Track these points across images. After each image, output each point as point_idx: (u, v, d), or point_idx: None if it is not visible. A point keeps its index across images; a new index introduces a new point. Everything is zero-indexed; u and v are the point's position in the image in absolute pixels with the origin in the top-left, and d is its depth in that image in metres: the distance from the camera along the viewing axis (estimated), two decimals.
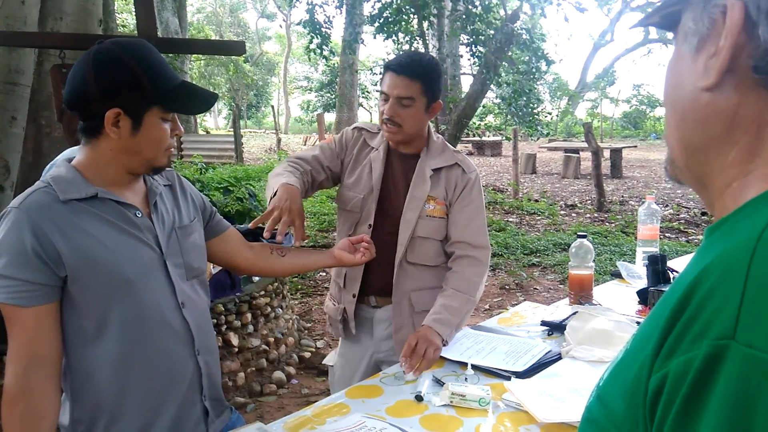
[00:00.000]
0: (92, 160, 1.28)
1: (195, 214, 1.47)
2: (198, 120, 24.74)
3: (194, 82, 1.39)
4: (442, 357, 1.74)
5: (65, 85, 1.27)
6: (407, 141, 1.91)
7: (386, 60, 1.95)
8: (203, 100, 1.34)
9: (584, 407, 0.61)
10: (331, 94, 27.25)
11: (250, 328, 3.69)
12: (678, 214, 8.57)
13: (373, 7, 9.19)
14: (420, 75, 1.82)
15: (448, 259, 1.94)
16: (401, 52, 1.99)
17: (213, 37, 29.29)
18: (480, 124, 11.42)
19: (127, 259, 1.26)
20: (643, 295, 2.11)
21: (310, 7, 9.09)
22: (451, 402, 1.46)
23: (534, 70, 9.69)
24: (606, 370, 0.60)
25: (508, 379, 1.58)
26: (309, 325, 4.70)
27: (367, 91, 25.11)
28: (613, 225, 7.94)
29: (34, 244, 1.16)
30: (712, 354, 0.43)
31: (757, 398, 0.40)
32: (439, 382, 1.58)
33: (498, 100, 13.92)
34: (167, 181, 1.46)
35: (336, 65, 19.88)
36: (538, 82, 13.69)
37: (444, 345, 1.74)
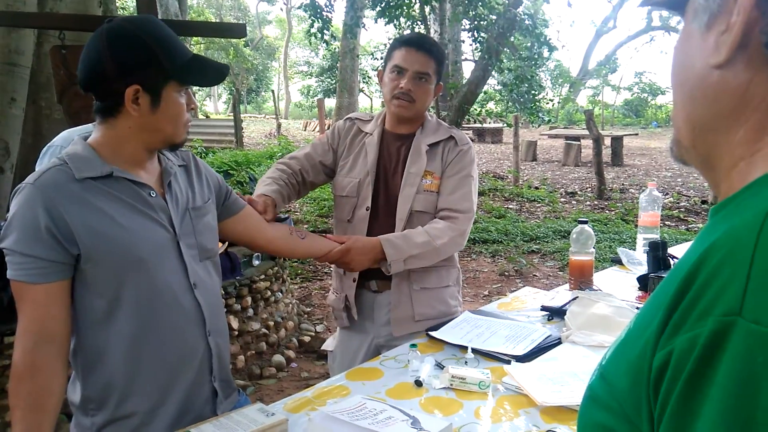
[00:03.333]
0: (109, 139, 1.27)
1: (209, 195, 1.47)
2: (198, 104, 24.62)
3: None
4: (441, 341, 1.74)
5: (69, 66, 1.26)
6: (414, 119, 1.93)
7: (388, 44, 1.96)
8: (216, 72, 1.34)
9: (586, 387, 0.62)
10: (332, 80, 27.13)
11: (250, 311, 3.70)
12: (678, 203, 8.57)
13: None
14: (435, 54, 1.88)
15: None
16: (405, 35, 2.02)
17: (213, 21, 29.11)
18: (481, 111, 11.36)
19: (141, 239, 1.26)
20: (644, 281, 2.11)
21: None
22: (451, 385, 1.47)
23: (536, 56, 9.64)
24: (608, 349, 0.60)
25: (508, 362, 1.58)
26: (309, 309, 4.72)
27: (368, 77, 24.99)
28: (613, 213, 7.94)
29: (48, 222, 1.16)
30: (717, 330, 0.43)
31: (763, 374, 0.40)
32: (439, 366, 1.58)
33: (499, 87, 13.87)
34: (182, 161, 1.45)
35: (337, 50, 19.77)
36: (540, 69, 13.63)
37: (385, 269, 1.78)
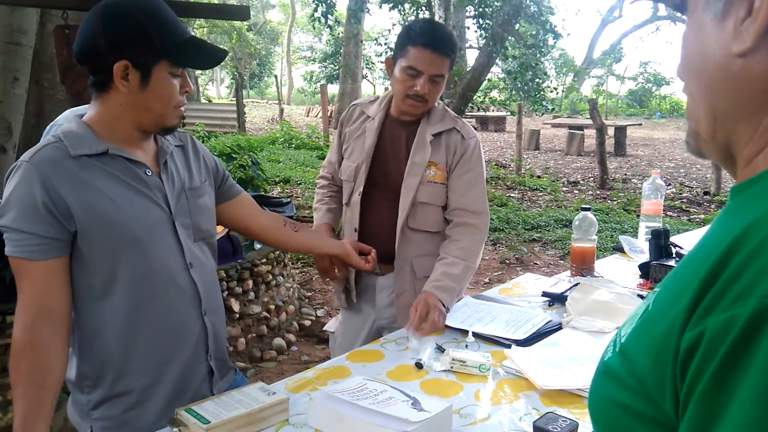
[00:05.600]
0: (103, 116, 1.27)
1: (206, 177, 1.47)
2: (200, 88, 24.57)
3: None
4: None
5: (70, 43, 1.26)
6: (425, 114, 1.91)
7: (392, 30, 1.94)
8: (212, 56, 1.33)
9: (600, 363, 0.61)
10: (335, 65, 26.96)
11: (251, 294, 3.71)
12: (680, 193, 8.55)
13: None
14: (451, 52, 1.81)
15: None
16: (413, 22, 1.95)
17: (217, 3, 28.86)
18: (485, 99, 11.31)
19: (136, 217, 1.26)
20: (645, 269, 2.11)
21: None
22: (452, 367, 1.47)
23: (541, 44, 9.59)
24: (624, 326, 0.59)
25: (509, 346, 1.59)
26: (309, 294, 4.73)
27: (372, 62, 24.83)
28: (615, 202, 7.93)
29: (45, 198, 1.16)
30: (758, 312, 0.42)
31: None
32: (440, 349, 1.59)
33: (503, 75, 13.79)
34: (179, 141, 1.45)
35: (340, 35, 19.66)
36: (545, 57, 13.55)
37: (446, 311, 1.74)
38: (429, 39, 1.77)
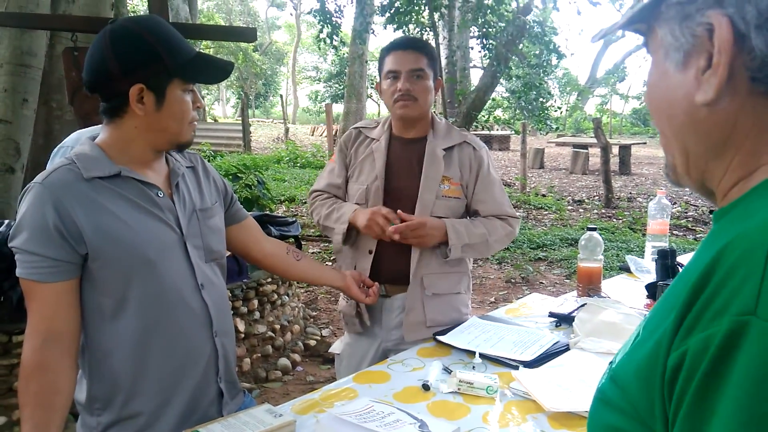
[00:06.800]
0: (117, 139, 1.28)
1: (217, 198, 1.48)
2: (206, 108, 24.73)
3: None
4: (450, 345, 1.74)
5: (80, 68, 1.27)
6: (421, 118, 1.93)
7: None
8: (221, 70, 1.34)
9: (596, 389, 0.62)
10: (340, 85, 27.15)
11: (257, 314, 3.70)
12: (686, 212, 8.53)
13: None
14: (423, 49, 1.91)
15: None
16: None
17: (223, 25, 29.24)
18: (489, 118, 11.35)
19: (148, 239, 1.26)
20: (652, 289, 2.10)
21: None
22: (459, 389, 1.46)
23: (545, 63, 9.64)
24: (618, 353, 0.60)
25: (516, 368, 1.58)
26: (315, 313, 4.71)
27: (377, 82, 24.96)
28: (620, 221, 7.91)
29: (56, 221, 1.17)
30: (733, 329, 0.43)
31: None
32: (447, 370, 1.58)
33: (507, 94, 13.87)
34: (190, 162, 1.46)
35: (345, 56, 19.83)
36: (548, 77, 13.63)
37: (443, 254, 1.85)
38: (398, 42, 1.94)
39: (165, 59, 1.23)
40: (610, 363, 0.61)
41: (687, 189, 0.64)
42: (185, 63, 1.26)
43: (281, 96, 29.58)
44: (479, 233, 1.86)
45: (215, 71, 1.34)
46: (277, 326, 3.84)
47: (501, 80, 9.77)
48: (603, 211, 8.82)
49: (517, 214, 1.96)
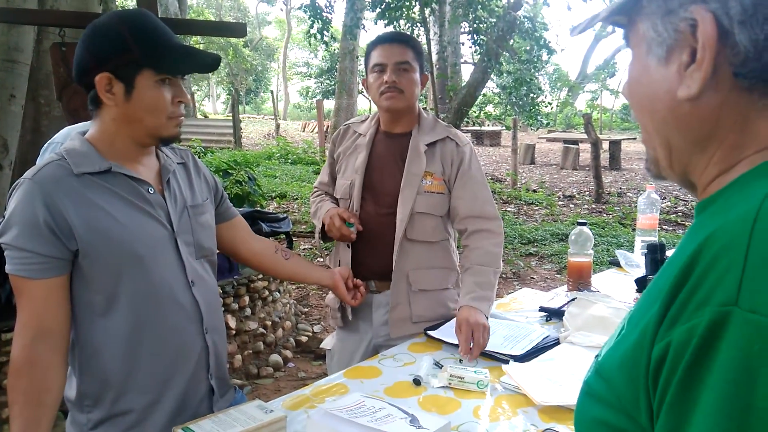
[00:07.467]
0: (101, 133, 1.28)
1: (208, 195, 1.47)
2: (196, 104, 24.63)
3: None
4: (440, 340, 1.75)
5: (68, 63, 1.27)
6: (407, 112, 1.92)
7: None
8: (201, 62, 1.30)
9: (582, 382, 0.62)
10: (331, 81, 27.08)
11: (248, 311, 3.70)
12: (676, 207, 8.58)
13: None
14: (409, 42, 1.92)
15: (449, 237, 1.96)
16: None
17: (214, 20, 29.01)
18: (480, 113, 11.36)
19: (138, 235, 1.26)
20: (642, 284, 2.12)
21: None
22: (450, 384, 1.47)
23: (535, 59, 9.65)
24: (604, 346, 0.61)
25: (507, 362, 1.58)
26: (306, 309, 4.71)
27: (364, 78, 24.91)
28: (610, 216, 7.95)
29: (46, 217, 1.16)
30: (715, 320, 0.44)
31: (760, 362, 0.41)
32: (438, 365, 1.58)
33: (498, 90, 13.88)
34: (181, 159, 1.45)
35: (336, 51, 19.76)
36: (539, 72, 13.66)
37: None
38: (384, 36, 1.96)
39: (133, 49, 1.21)
40: (596, 356, 0.62)
41: (675, 184, 0.65)
42: (158, 54, 1.23)
43: (272, 92, 29.50)
44: (489, 279, 1.80)
45: (194, 63, 1.30)
46: (269, 323, 3.84)
47: (492, 76, 9.75)
48: (593, 206, 8.86)
49: (498, 214, 1.91)
